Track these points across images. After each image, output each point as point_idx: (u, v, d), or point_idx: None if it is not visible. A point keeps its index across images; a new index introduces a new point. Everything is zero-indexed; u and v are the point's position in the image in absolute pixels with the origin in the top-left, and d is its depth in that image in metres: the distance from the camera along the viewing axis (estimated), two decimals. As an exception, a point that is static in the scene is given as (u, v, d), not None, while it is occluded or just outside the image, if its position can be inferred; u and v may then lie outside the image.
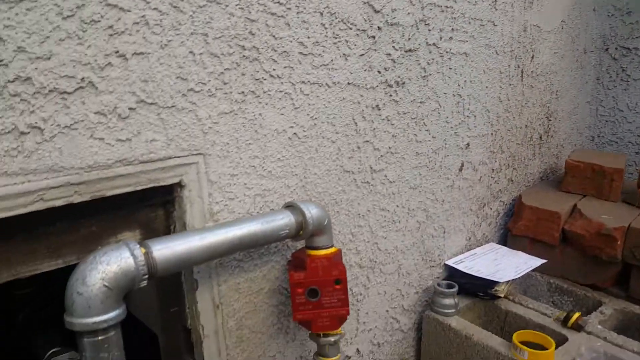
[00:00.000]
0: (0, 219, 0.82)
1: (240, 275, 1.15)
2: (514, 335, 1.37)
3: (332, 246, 1.14)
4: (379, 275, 1.48)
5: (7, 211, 0.82)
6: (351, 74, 1.26)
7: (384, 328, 1.55)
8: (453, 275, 1.70)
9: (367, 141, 1.32)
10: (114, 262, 0.80)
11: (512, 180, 1.91)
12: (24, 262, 0.94)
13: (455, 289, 1.56)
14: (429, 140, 1.50)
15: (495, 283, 1.61)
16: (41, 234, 0.95)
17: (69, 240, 0.99)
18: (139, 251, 0.83)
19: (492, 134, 1.74)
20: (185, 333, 1.18)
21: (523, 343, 1.35)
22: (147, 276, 0.84)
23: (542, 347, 1.35)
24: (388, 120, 1.38)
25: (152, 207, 1.09)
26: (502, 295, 1.63)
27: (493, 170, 1.79)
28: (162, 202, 1.08)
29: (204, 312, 1.11)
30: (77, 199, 0.89)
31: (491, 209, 1.84)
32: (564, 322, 1.47)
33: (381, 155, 1.37)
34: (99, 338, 0.80)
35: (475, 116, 1.67)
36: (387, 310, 1.55)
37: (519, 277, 1.63)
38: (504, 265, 1.67)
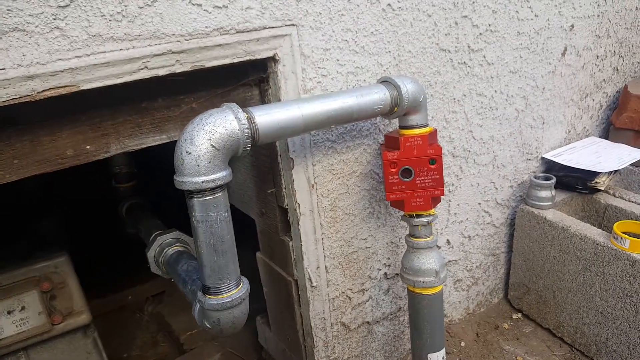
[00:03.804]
0: (109, 88, 0.85)
1: (333, 156, 1.15)
2: (615, 225, 1.31)
3: (427, 125, 1.10)
4: (473, 165, 1.43)
5: (115, 78, 0.85)
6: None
7: (475, 221, 1.52)
8: (550, 170, 1.62)
9: (466, 16, 1.23)
10: (219, 124, 0.81)
11: (617, 70, 1.74)
12: (130, 135, 0.99)
13: (552, 181, 1.49)
14: (532, 19, 1.37)
15: (595, 175, 1.52)
16: (145, 109, 0.99)
17: (171, 116, 1.02)
18: (243, 115, 0.84)
19: (598, 15, 1.57)
20: (282, 213, 1.21)
21: (624, 234, 1.28)
22: (250, 140, 0.85)
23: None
24: (487, -7, 1.27)
25: (247, 87, 1.09)
26: (602, 188, 1.55)
27: (597, 57, 1.64)
28: (257, 80, 1.08)
29: (300, 190, 1.13)
30: (178, 69, 0.90)
31: (593, 100, 1.70)
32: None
33: (480, 33, 1.27)
34: (207, 198, 0.83)
35: (581, -6, 1.51)
36: (480, 203, 1.51)
37: (620, 170, 1.53)
38: (605, 157, 1.56)
